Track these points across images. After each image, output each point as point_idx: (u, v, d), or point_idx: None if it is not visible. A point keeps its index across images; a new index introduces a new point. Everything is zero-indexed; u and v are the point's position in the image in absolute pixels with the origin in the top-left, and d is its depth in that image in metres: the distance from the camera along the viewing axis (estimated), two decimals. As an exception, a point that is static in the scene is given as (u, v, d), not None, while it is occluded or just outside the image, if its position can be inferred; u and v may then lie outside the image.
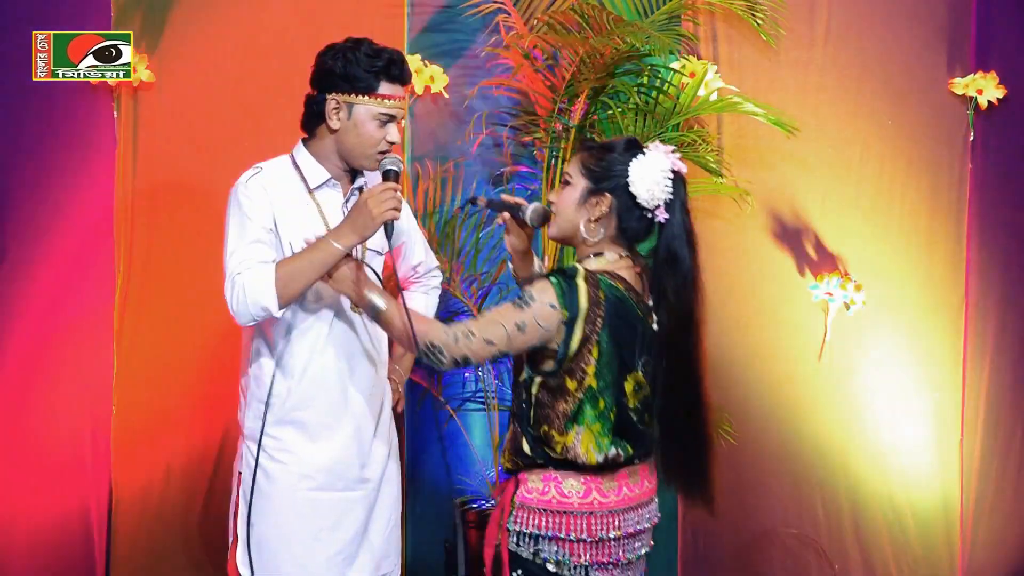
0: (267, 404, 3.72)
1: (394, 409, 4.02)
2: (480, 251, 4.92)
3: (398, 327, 3.27)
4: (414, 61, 4.89)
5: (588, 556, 3.23)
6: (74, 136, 4.87)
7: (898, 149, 5.20)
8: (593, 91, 4.84)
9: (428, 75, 4.96)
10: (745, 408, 5.07)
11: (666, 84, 4.94)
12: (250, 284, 3.52)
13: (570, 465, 3.22)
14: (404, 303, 3.26)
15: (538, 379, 3.22)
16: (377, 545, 3.88)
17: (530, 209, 3.35)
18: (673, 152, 3.24)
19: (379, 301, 3.29)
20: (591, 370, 3.16)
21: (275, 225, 3.66)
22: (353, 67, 3.62)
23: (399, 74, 3.66)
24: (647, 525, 3.36)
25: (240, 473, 3.82)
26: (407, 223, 4.07)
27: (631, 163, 3.21)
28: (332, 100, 3.65)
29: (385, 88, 3.64)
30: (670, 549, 5.20)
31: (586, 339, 3.14)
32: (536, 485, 3.26)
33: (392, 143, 3.69)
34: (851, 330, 5.18)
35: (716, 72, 5.02)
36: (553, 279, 3.17)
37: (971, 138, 5.20)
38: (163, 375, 4.94)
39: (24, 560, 4.86)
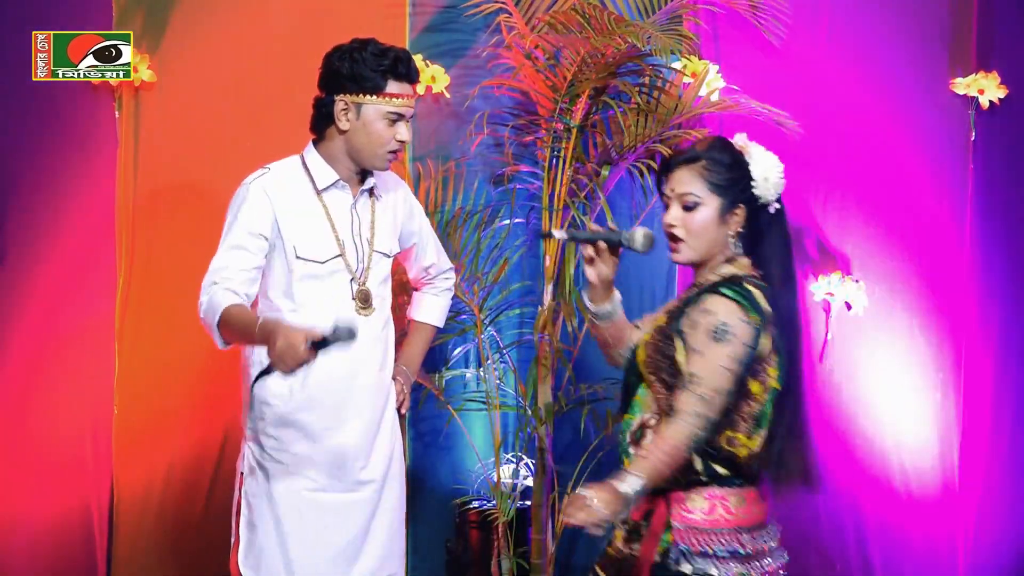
0: (269, 405, 3.74)
1: (398, 410, 4.03)
2: (482, 251, 4.92)
3: (664, 471, 3.09)
4: (415, 61, 4.88)
5: (753, 570, 3.19)
6: (75, 136, 4.86)
7: (900, 149, 5.19)
8: (595, 91, 4.83)
9: (429, 75, 4.97)
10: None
11: (668, 84, 4.93)
12: (204, 308, 3.57)
13: (732, 481, 3.17)
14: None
15: None
16: (379, 546, 3.89)
17: (640, 234, 3.23)
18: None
19: (635, 486, 3.01)
20: (773, 372, 3.12)
21: (277, 227, 3.68)
22: (360, 67, 3.65)
23: (406, 72, 3.69)
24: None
25: (242, 474, 3.83)
26: (419, 224, 4.09)
27: (750, 168, 3.22)
28: (340, 101, 3.68)
29: (393, 87, 3.67)
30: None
31: (772, 341, 3.11)
32: (699, 504, 3.17)
33: (402, 141, 3.72)
34: (852, 330, 5.17)
35: (718, 72, 5.02)
36: (727, 291, 3.12)
37: (973, 138, 5.19)
38: (164, 375, 4.94)
39: (25, 560, 4.86)
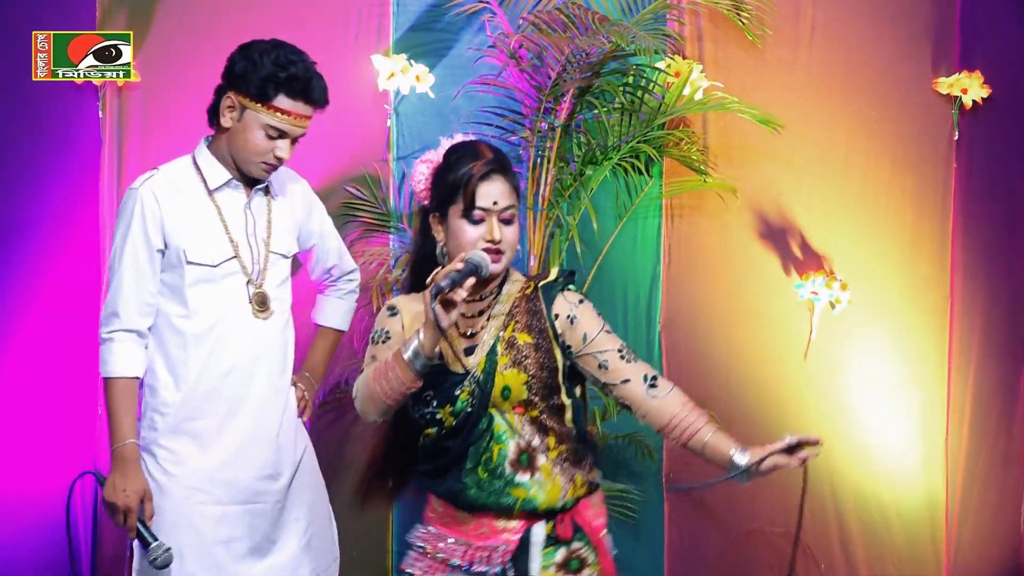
0: (161, 414, 3.65)
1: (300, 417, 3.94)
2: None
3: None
4: (400, 60, 4.89)
5: None
6: (59, 136, 4.85)
7: (883, 148, 5.20)
8: (579, 90, 4.83)
9: (414, 74, 4.93)
10: (730, 408, 5.04)
11: (651, 83, 4.93)
12: (102, 356, 3.63)
13: None
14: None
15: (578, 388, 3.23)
16: (288, 556, 3.79)
17: (484, 259, 3.03)
18: None
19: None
20: None
21: (166, 231, 3.60)
22: (254, 71, 3.55)
23: (302, 91, 3.57)
24: None
25: None
26: (319, 224, 3.99)
27: None
28: (228, 97, 3.60)
29: (283, 102, 3.56)
30: (656, 548, 5.20)
31: None
32: (598, 502, 3.27)
33: (280, 159, 3.60)
34: (836, 329, 5.17)
35: (701, 71, 5.01)
36: (572, 287, 3.21)
37: (956, 137, 5.20)
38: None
39: (7, 559, 4.83)
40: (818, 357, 5.18)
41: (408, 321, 3.16)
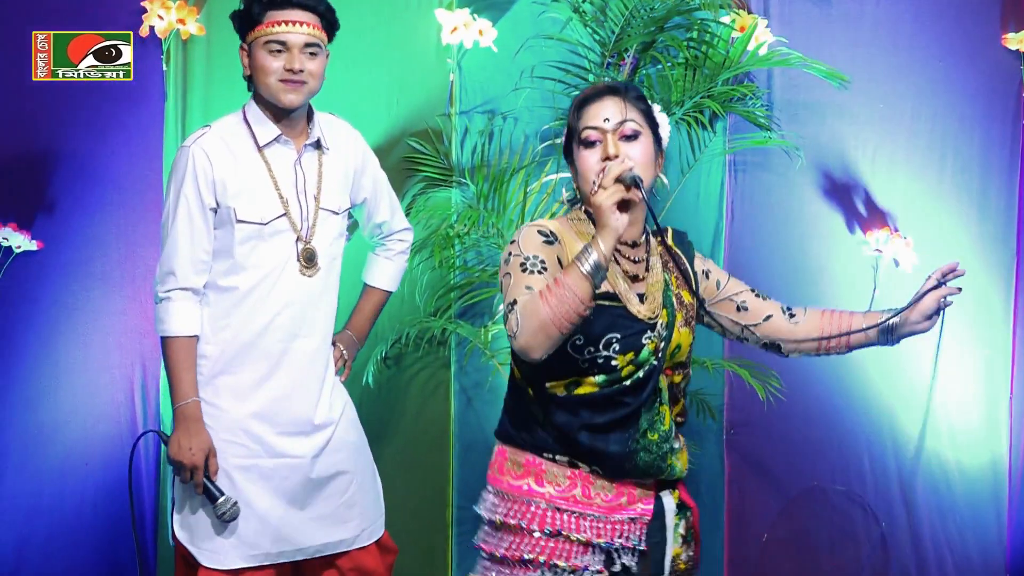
0: (199, 366, 3.68)
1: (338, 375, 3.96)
2: (528, 205, 4.91)
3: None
4: (463, 14, 4.87)
5: None
6: (123, 89, 4.86)
7: (950, 105, 5.14)
8: (642, 45, 4.81)
9: (477, 28, 4.92)
10: (793, 364, 5.04)
11: (716, 38, 4.90)
12: (158, 314, 3.65)
13: None
14: None
15: None
16: (328, 511, 3.81)
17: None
18: None
19: None
20: None
21: (216, 192, 3.63)
22: (241, 11, 3.67)
23: None
24: None
25: None
26: (372, 178, 3.98)
27: (655, 111, 3.05)
28: (241, 49, 3.70)
29: (272, 16, 3.61)
30: (716, 505, 5.20)
31: None
32: None
33: (292, 70, 3.62)
34: (900, 287, 5.12)
35: (766, 26, 4.97)
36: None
37: (1024, 94, 5.14)
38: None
39: (73, 520, 4.88)
40: (881, 314, 5.14)
41: (571, 245, 2.95)
